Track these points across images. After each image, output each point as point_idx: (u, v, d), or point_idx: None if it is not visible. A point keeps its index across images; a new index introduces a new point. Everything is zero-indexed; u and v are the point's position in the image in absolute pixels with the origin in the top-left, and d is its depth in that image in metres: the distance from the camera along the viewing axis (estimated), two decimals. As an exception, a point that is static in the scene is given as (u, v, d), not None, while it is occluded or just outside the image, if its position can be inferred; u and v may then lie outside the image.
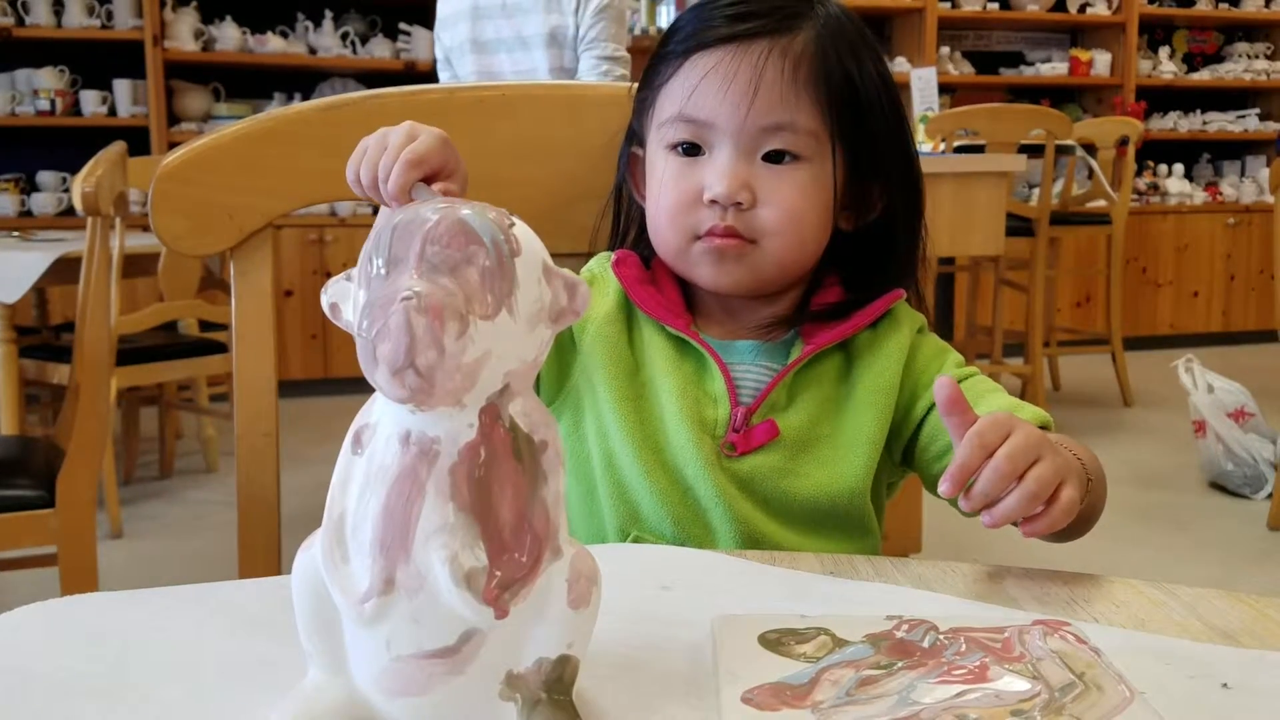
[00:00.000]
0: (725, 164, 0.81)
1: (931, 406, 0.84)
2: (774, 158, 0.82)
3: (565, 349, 0.87)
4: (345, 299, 0.44)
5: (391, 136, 0.68)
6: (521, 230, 0.42)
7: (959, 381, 0.84)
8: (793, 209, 0.82)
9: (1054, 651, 0.51)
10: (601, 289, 0.89)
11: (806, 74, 0.81)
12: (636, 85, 0.91)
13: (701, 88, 0.81)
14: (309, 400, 4.33)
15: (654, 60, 0.87)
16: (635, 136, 0.91)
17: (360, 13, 4.99)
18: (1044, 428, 0.81)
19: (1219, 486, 3.21)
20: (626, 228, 0.94)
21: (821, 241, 0.86)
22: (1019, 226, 3.71)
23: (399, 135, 0.68)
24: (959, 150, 3.50)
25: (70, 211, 4.53)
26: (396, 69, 4.85)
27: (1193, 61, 6.14)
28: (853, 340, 0.86)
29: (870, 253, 0.88)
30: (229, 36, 4.72)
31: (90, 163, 1.89)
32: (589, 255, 0.95)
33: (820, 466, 0.83)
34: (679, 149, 0.83)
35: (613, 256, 0.89)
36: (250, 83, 4.88)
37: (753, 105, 0.80)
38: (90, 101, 4.63)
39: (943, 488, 0.63)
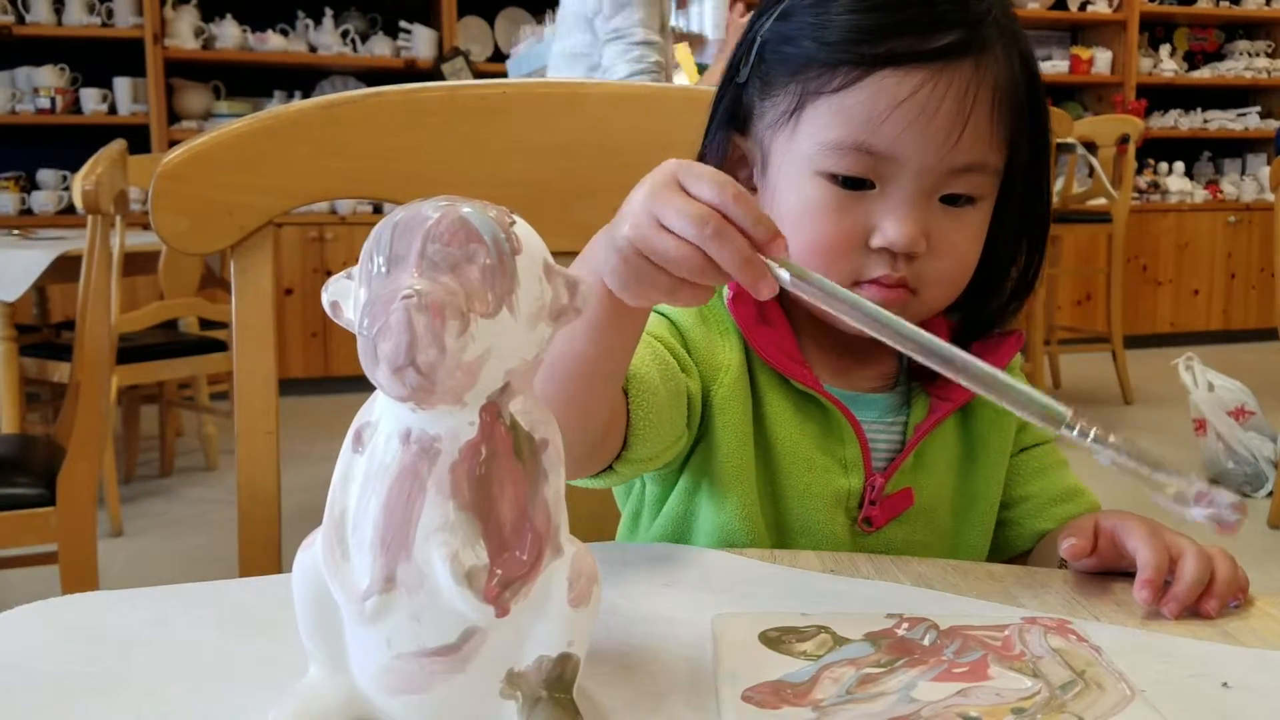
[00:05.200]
0: (905, 208, 0.69)
1: (1013, 453, 0.81)
2: (953, 199, 0.71)
3: (694, 407, 0.74)
4: (346, 297, 0.44)
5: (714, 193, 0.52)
6: (522, 228, 0.42)
7: (1036, 447, 0.82)
8: (965, 259, 0.72)
9: (1054, 649, 0.52)
10: (718, 327, 0.76)
11: (1005, 105, 0.70)
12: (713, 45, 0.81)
13: (893, 118, 0.67)
14: (309, 398, 4.33)
15: (799, 51, 0.71)
16: (735, 120, 0.76)
17: (360, 11, 4.98)
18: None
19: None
20: None
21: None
22: (1019, 224, 3.71)
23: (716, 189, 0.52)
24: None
25: (70, 210, 4.53)
26: (397, 67, 4.84)
27: (1193, 59, 6.14)
28: None
29: (979, 279, 0.75)
30: (229, 34, 4.72)
31: (90, 161, 1.89)
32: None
33: (949, 536, 0.78)
34: (839, 178, 0.70)
35: (728, 290, 0.75)
36: (250, 81, 4.88)
37: (955, 147, 0.68)
38: (90, 99, 4.63)
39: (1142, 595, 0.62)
